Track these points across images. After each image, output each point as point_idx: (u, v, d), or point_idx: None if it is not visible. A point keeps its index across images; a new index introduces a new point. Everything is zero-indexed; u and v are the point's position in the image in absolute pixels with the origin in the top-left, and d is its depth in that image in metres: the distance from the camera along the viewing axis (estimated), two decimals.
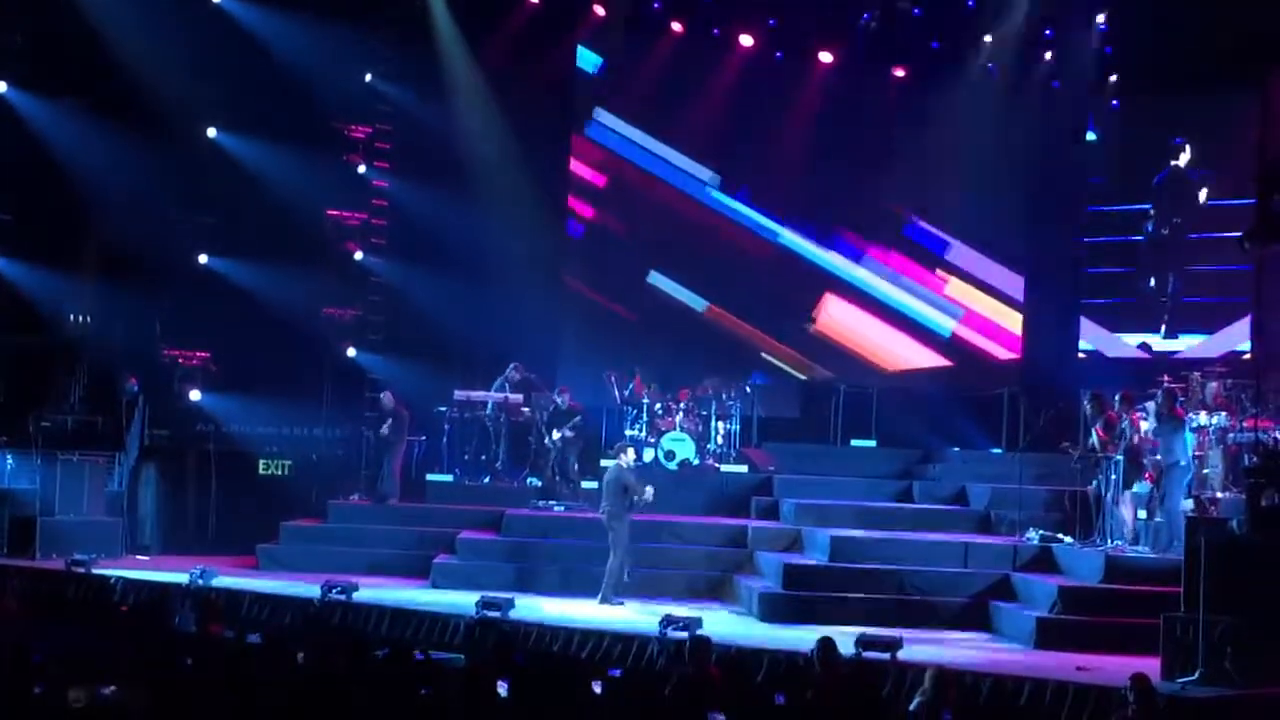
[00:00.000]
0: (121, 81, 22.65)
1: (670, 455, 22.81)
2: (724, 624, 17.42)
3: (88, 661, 11.54)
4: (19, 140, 22.89)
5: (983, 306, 26.22)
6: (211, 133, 24.06)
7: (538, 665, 12.45)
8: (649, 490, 18.81)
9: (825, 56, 25.76)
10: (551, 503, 21.81)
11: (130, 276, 23.24)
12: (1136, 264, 25.05)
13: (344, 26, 23.68)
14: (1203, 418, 19.33)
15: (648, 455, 22.41)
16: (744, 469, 23.26)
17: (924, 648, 15.87)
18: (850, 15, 25.30)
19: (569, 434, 22.29)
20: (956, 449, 24.19)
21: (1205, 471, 19.07)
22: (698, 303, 26.14)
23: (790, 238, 26.34)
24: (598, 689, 11.47)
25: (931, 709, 11.63)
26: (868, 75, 25.87)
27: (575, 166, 26.16)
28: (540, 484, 22.51)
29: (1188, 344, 24.26)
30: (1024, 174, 25.73)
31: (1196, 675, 14.37)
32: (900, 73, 25.97)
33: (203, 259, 23.99)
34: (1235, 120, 23.88)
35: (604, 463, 21.87)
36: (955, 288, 26.27)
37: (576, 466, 22.40)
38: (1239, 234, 20.54)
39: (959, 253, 26.23)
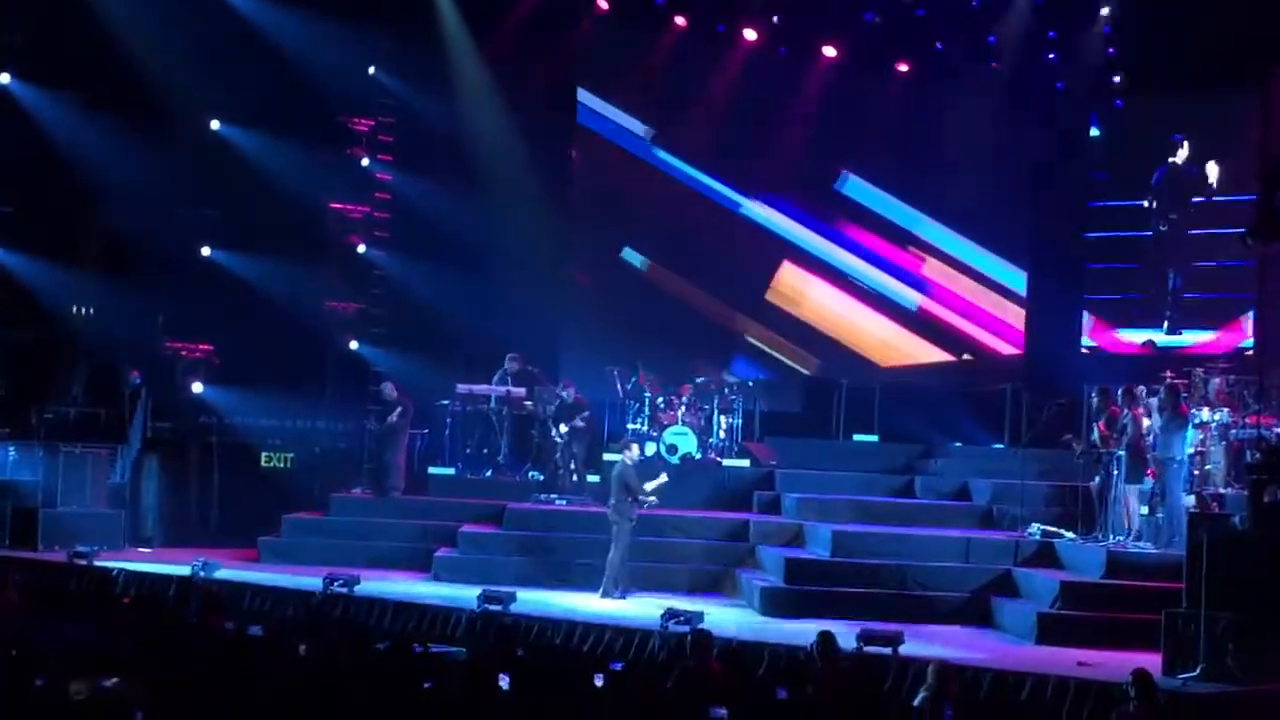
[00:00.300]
0: (124, 74, 22.65)
1: (672, 449, 22.81)
2: (726, 618, 17.40)
3: (89, 654, 11.56)
4: (22, 132, 22.88)
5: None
6: (214, 125, 24.06)
7: (539, 659, 12.47)
8: (653, 492, 18.87)
9: (829, 51, 25.75)
10: (553, 496, 21.82)
11: (133, 269, 23.27)
12: (1139, 260, 25.06)
13: (347, 19, 23.64)
14: (1205, 414, 19.34)
15: (650, 449, 22.41)
16: (746, 463, 23.26)
17: (925, 643, 15.88)
18: (854, 11, 25.29)
19: (579, 425, 22.29)
20: (958, 444, 24.18)
21: (1208, 467, 19.07)
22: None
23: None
24: (599, 682, 11.49)
25: (933, 703, 11.63)
26: (871, 70, 25.88)
27: None
28: (542, 478, 22.51)
29: (1191, 339, 24.25)
30: (1027, 169, 25.78)
31: (1198, 671, 14.36)
32: (904, 68, 25.97)
33: (205, 251, 24.01)
34: (1237, 118, 23.86)
35: (606, 456, 21.97)
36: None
37: (583, 460, 22.39)
38: (1242, 230, 20.57)
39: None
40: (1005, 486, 20.71)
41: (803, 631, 15.21)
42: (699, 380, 23.65)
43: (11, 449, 21.98)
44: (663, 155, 26.18)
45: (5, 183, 23.19)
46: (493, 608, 17.32)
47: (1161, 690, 12.83)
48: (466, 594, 18.07)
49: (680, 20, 25.72)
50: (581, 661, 12.65)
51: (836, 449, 24.15)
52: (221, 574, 18.98)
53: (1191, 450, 18.86)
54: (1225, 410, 19.39)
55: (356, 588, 18.26)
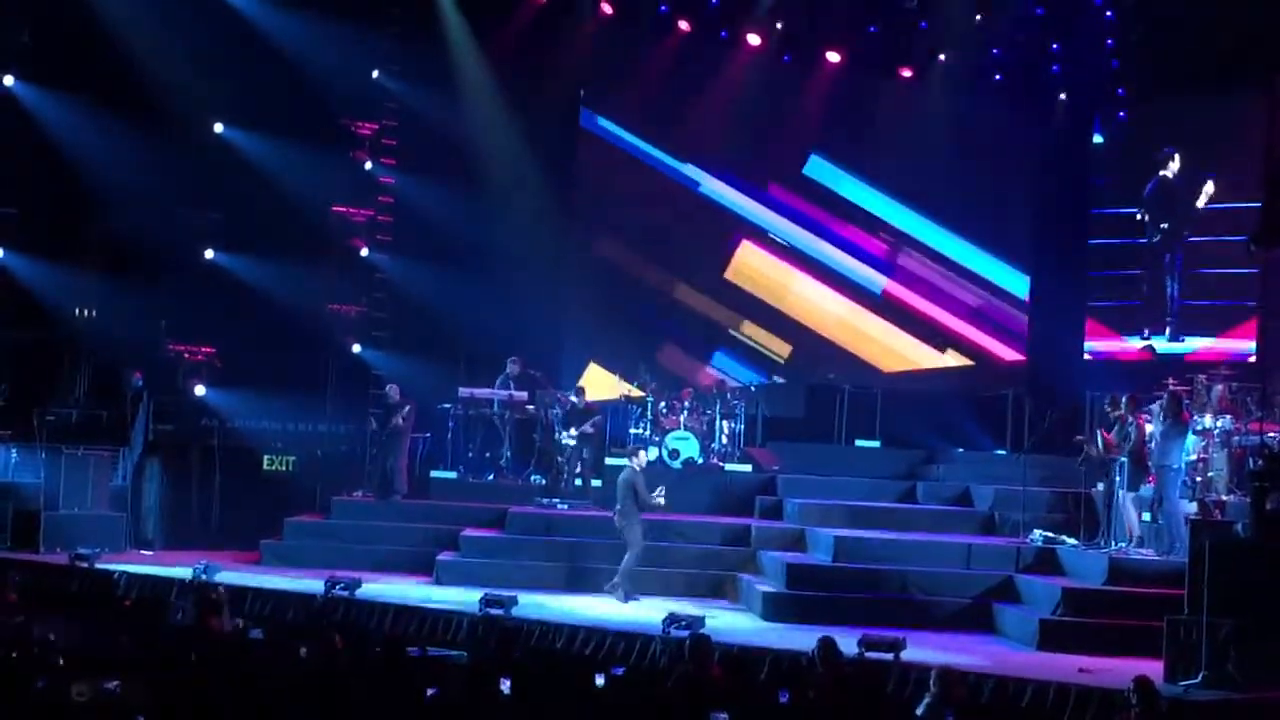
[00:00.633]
0: (128, 76, 22.63)
1: (675, 454, 22.81)
2: (727, 623, 17.41)
3: (91, 656, 11.56)
4: (25, 134, 22.88)
5: (933, 274, 26.36)
6: (218, 128, 24.04)
7: (540, 663, 12.46)
8: (660, 497, 18.88)
9: (833, 56, 25.78)
10: (555, 500, 21.81)
11: (135, 271, 23.24)
12: (1140, 266, 25.07)
13: (351, 22, 23.65)
14: (1208, 420, 19.32)
15: (652, 454, 22.42)
16: (748, 468, 23.26)
17: (926, 649, 15.87)
18: (857, 19, 25.35)
19: (589, 430, 22.29)
20: (961, 450, 24.19)
21: (1210, 474, 19.06)
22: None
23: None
24: (600, 681, 11.48)
25: (937, 710, 11.61)
26: (874, 76, 25.94)
27: None
28: (544, 481, 22.50)
29: (1193, 346, 24.25)
30: (1030, 176, 25.82)
31: (1199, 678, 14.36)
32: (907, 73, 26.01)
33: (208, 254, 23.99)
34: (1241, 124, 23.88)
35: (609, 461, 21.97)
36: (932, 271, 26.46)
37: (590, 463, 22.38)
38: (1245, 237, 20.58)
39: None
40: (1007, 492, 20.69)
41: (804, 637, 15.20)
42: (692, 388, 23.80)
43: (13, 451, 21.96)
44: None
45: (7, 184, 23.17)
46: (494, 612, 17.31)
47: (1163, 697, 12.81)
48: (468, 598, 18.06)
49: (684, 25, 25.75)
50: (582, 666, 12.64)
51: (838, 454, 24.16)
52: (222, 577, 18.98)
53: (1193, 457, 18.86)
54: (1228, 417, 19.36)
55: (358, 591, 18.25)
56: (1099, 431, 18.90)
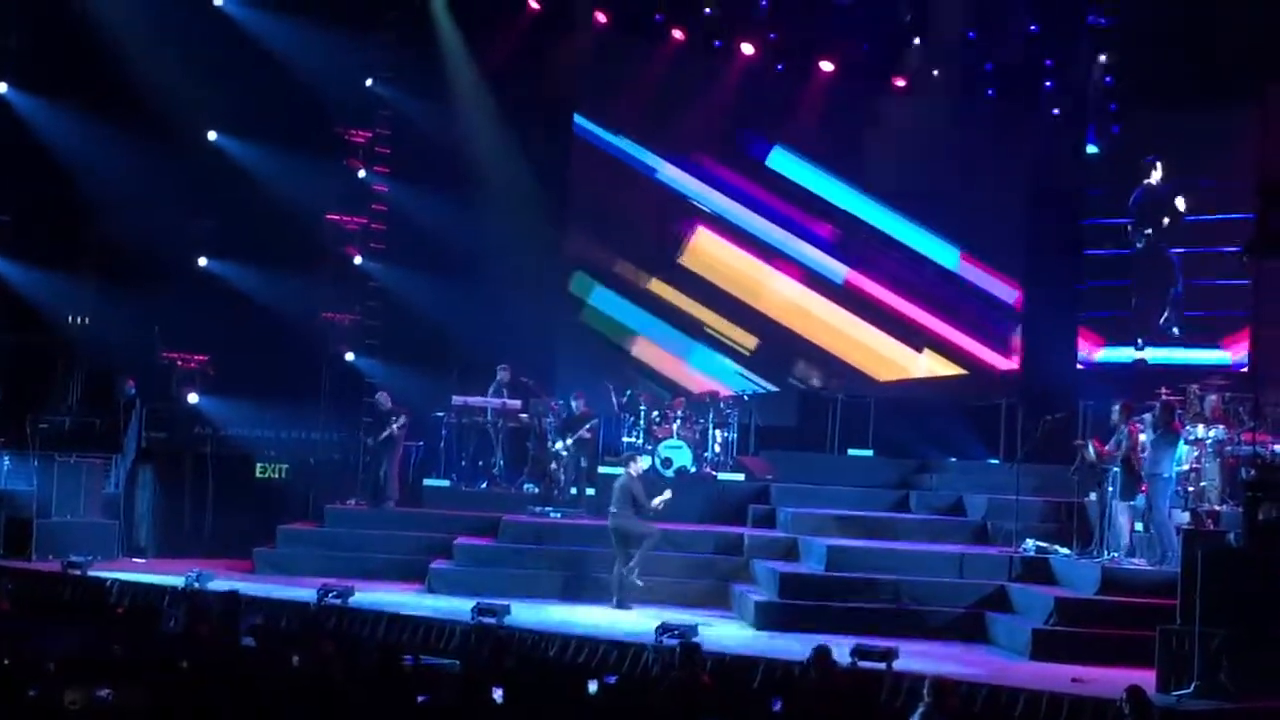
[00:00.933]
0: (122, 83, 22.66)
1: (667, 463, 22.80)
2: (720, 632, 17.42)
3: (84, 663, 11.55)
4: (18, 141, 22.88)
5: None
6: (212, 136, 24.03)
7: (533, 671, 12.47)
8: (662, 502, 18.90)
9: (826, 66, 25.82)
10: (548, 509, 21.80)
11: (129, 278, 23.22)
12: (1132, 277, 25.09)
13: (345, 30, 23.64)
14: (1201, 430, 19.33)
15: (645, 463, 22.40)
16: (741, 477, 23.25)
17: (919, 658, 15.87)
18: (850, 31, 25.40)
19: (585, 436, 22.30)
20: (954, 459, 24.14)
21: (1203, 484, 19.06)
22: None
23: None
24: (593, 688, 11.49)
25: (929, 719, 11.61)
26: (867, 88, 25.98)
27: None
28: (537, 490, 22.50)
29: (1184, 356, 24.24)
30: (1023, 186, 25.86)
31: (1192, 688, 14.36)
32: (901, 83, 26.05)
33: (202, 262, 23.97)
34: (1234, 134, 23.90)
35: (602, 470, 21.97)
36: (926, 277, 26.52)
37: (586, 470, 22.38)
38: (1238, 248, 20.59)
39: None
40: (1000, 502, 20.63)
41: (797, 646, 15.21)
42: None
43: (6, 458, 21.96)
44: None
45: (2, 191, 23.19)
46: (487, 620, 17.30)
47: (1156, 707, 12.83)
48: (461, 606, 18.04)
49: (678, 34, 25.77)
50: (574, 675, 12.65)
51: (832, 463, 24.11)
52: (215, 585, 18.96)
53: (1185, 467, 18.86)
54: (1220, 427, 19.38)
55: (351, 599, 18.25)
56: (1090, 441, 18.91)
